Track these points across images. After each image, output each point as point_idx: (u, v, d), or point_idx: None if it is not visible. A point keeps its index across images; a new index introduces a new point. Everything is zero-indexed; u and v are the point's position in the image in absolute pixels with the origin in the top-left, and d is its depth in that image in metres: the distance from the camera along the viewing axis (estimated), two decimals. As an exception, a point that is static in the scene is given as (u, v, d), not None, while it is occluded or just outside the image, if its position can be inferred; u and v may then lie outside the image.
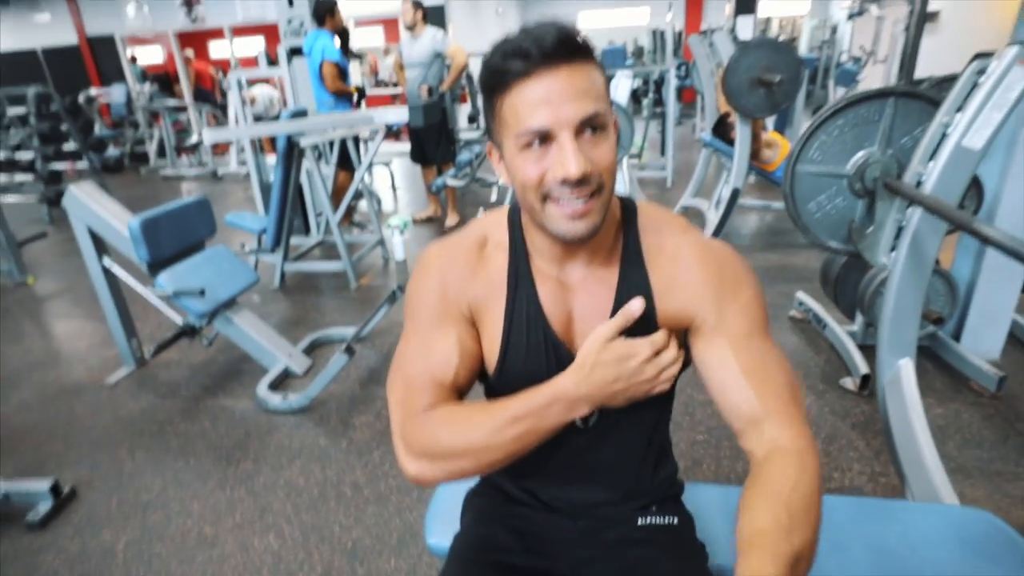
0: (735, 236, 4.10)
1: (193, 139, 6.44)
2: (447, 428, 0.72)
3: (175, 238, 2.33)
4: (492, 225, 0.82)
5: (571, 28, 0.65)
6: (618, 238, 0.78)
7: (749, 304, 0.74)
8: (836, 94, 5.60)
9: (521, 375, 0.77)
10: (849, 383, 2.26)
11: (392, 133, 8.86)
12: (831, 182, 1.66)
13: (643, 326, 0.73)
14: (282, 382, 2.49)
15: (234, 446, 2.12)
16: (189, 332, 2.39)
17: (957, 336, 2.38)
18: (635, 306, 0.71)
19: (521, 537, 0.87)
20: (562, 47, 0.63)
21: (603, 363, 0.68)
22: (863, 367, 2.23)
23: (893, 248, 1.50)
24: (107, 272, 2.49)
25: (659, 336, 0.71)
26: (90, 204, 2.33)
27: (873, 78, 6.55)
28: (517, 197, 0.73)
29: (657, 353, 0.70)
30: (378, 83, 10.84)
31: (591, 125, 0.65)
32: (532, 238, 0.77)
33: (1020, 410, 2.07)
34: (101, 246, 2.46)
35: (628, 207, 0.80)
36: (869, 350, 2.42)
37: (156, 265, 2.27)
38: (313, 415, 2.26)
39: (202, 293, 2.21)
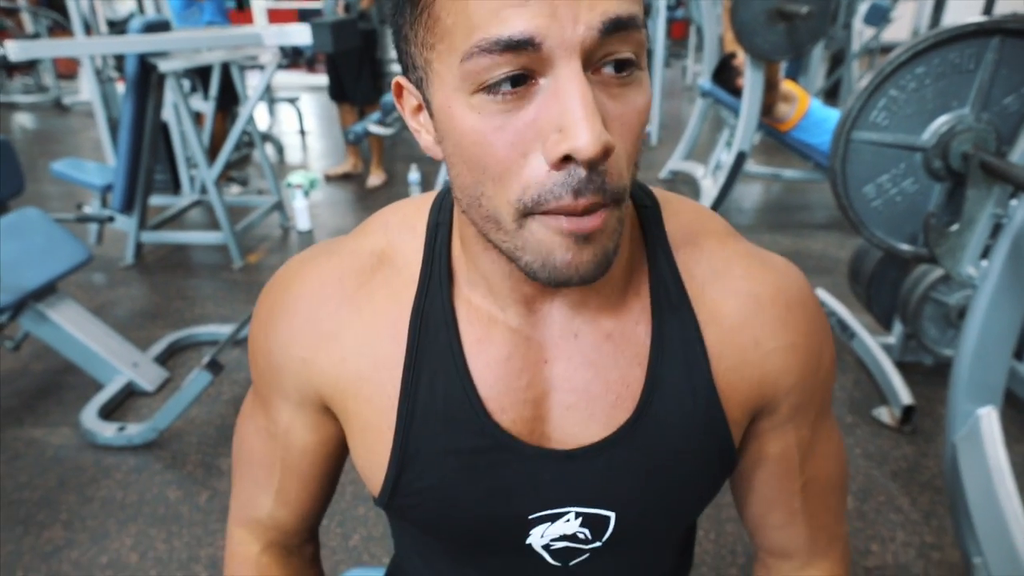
0: (735, 212, 4.03)
1: None
2: None
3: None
4: (399, 228, 0.58)
5: None
6: (639, 257, 0.56)
7: (829, 373, 0.60)
8: (863, 36, 5.47)
9: (435, 498, 0.56)
10: (885, 415, 2.14)
11: (306, 61, 8.41)
12: (900, 157, 1.49)
13: (708, 431, 0.55)
14: (120, 405, 2.23)
15: (38, 502, 1.83)
16: (-19, 333, 2.06)
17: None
18: None
19: None
20: None
21: None
22: (904, 395, 2.11)
23: (984, 256, 1.32)
24: None
25: None
26: None
27: (906, 19, 6.49)
28: (455, 192, 0.48)
29: None
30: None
31: (620, 56, 0.40)
32: (474, 258, 0.53)
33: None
34: None
35: (644, 200, 0.58)
36: (911, 369, 2.33)
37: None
38: (162, 454, 2.02)
39: (-7, 280, 1.89)
